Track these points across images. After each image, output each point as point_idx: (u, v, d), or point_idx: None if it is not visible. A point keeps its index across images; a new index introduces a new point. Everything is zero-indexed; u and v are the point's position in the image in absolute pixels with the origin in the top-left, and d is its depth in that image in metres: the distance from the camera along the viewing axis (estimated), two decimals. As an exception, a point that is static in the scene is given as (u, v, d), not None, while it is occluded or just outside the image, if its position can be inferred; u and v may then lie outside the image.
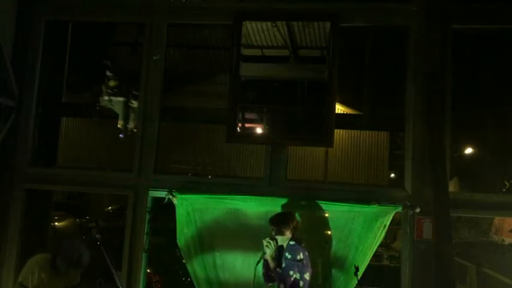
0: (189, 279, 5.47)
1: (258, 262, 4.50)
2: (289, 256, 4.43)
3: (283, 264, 4.42)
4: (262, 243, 4.49)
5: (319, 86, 6.33)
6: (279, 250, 4.55)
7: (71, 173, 6.05)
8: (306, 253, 4.50)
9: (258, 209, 5.31)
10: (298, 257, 4.41)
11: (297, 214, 5.21)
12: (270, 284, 4.63)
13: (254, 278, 4.47)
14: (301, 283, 4.39)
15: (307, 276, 4.44)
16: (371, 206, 5.12)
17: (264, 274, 4.60)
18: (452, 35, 5.47)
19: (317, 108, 6.20)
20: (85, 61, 7.17)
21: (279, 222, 4.60)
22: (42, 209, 6.46)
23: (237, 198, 5.36)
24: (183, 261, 5.41)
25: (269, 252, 4.46)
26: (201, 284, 5.30)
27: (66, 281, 4.44)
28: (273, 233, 4.56)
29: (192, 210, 5.39)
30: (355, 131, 7.34)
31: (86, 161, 6.98)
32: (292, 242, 4.51)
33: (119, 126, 6.65)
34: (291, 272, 4.35)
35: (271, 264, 4.47)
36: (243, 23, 5.90)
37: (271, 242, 4.46)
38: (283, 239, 4.54)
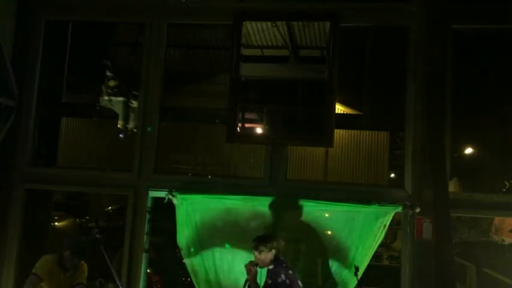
0: (189, 279, 5.47)
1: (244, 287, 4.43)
2: (269, 281, 4.35)
3: None
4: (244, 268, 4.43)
5: (319, 86, 6.33)
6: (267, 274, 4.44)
7: (71, 173, 6.05)
8: (291, 272, 4.39)
9: (258, 209, 5.30)
10: (280, 280, 4.30)
11: (296, 214, 5.22)
12: None
13: None
14: None
15: None
16: (371, 206, 5.12)
17: None
18: (452, 35, 5.47)
19: (317, 108, 6.20)
20: (85, 61, 7.17)
21: (258, 245, 4.43)
22: (42, 209, 6.46)
23: (237, 198, 5.36)
24: (183, 261, 5.41)
25: (251, 277, 4.39)
26: (200, 284, 5.30)
27: (73, 279, 4.51)
28: (254, 257, 4.45)
29: (192, 210, 5.39)
30: (355, 131, 7.34)
31: (86, 161, 6.98)
32: (271, 266, 4.41)
33: (119, 126, 6.65)
34: None
35: None
36: (243, 23, 5.90)
37: (252, 268, 4.39)
38: (265, 263, 4.42)
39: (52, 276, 4.43)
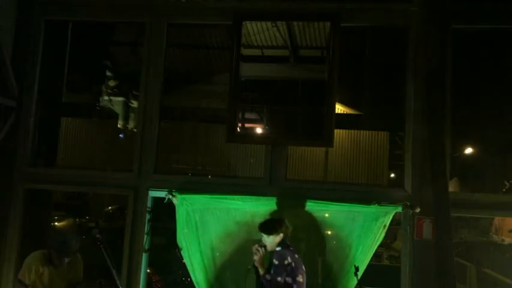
0: (189, 279, 5.47)
1: (249, 269, 4.55)
2: (276, 262, 4.42)
3: (272, 271, 4.42)
4: (252, 249, 4.55)
5: (319, 86, 6.33)
6: (270, 256, 4.56)
7: (71, 173, 6.04)
8: (296, 255, 4.48)
9: (258, 208, 5.30)
10: (286, 262, 4.38)
11: (296, 214, 5.22)
12: None
13: (245, 285, 4.54)
14: (294, 286, 4.36)
15: (300, 278, 4.40)
16: (371, 206, 5.11)
17: (256, 281, 4.58)
18: (452, 35, 5.47)
19: (317, 108, 6.21)
20: (85, 61, 7.17)
21: (267, 228, 4.59)
22: (42, 209, 6.45)
23: (237, 198, 5.35)
24: (183, 261, 5.41)
25: (257, 259, 4.50)
26: (200, 284, 5.30)
27: (68, 278, 4.46)
28: (262, 239, 4.59)
29: (192, 210, 5.38)
30: (355, 131, 7.35)
31: (86, 161, 6.98)
32: (278, 248, 4.50)
33: (119, 126, 6.66)
34: (279, 278, 4.34)
35: (261, 271, 4.49)
36: (243, 23, 5.90)
37: (260, 249, 4.51)
38: (272, 246, 4.54)
39: (43, 273, 4.34)
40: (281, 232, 4.55)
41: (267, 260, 4.59)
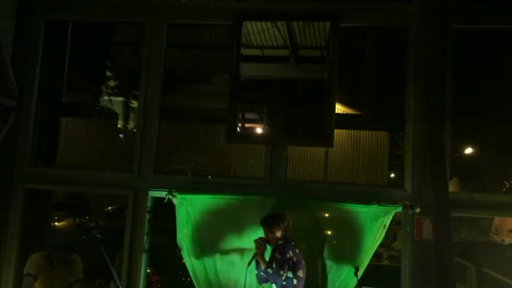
0: (189, 279, 5.47)
1: (249, 263, 4.59)
2: (278, 256, 4.50)
3: (274, 264, 4.48)
4: (254, 243, 4.61)
5: (319, 86, 6.33)
6: (272, 250, 4.62)
7: (71, 173, 6.04)
8: (297, 250, 4.56)
9: (258, 209, 5.30)
10: (288, 255, 4.47)
11: (296, 214, 5.22)
12: (263, 285, 4.69)
13: (245, 279, 4.59)
14: (294, 281, 4.44)
15: (300, 273, 4.48)
16: (371, 206, 5.11)
17: (256, 275, 4.66)
18: (452, 35, 5.47)
19: (317, 108, 6.21)
20: (85, 61, 7.17)
21: (269, 223, 4.67)
22: (42, 209, 6.45)
23: (237, 198, 5.36)
24: (183, 261, 5.41)
25: (260, 252, 4.55)
26: (200, 284, 5.30)
27: (67, 276, 4.46)
28: (264, 234, 4.65)
29: (192, 210, 5.38)
30: (355, 131, 7.35)
31: (86, 161, 6.98)
32: (280, 242, 4.59)
33: (119, 126, 6.65)
34: (282, 272, 4.42)
35: (262, 265, 4.54)
36: (243, 23, 5.90)
37: (262, 243, 4.58)
38: (274, 240, 4.60)
39: (42, 273, 4.38)
40: (282, 226, 4.63)
41: (267, 254, 4.64)
